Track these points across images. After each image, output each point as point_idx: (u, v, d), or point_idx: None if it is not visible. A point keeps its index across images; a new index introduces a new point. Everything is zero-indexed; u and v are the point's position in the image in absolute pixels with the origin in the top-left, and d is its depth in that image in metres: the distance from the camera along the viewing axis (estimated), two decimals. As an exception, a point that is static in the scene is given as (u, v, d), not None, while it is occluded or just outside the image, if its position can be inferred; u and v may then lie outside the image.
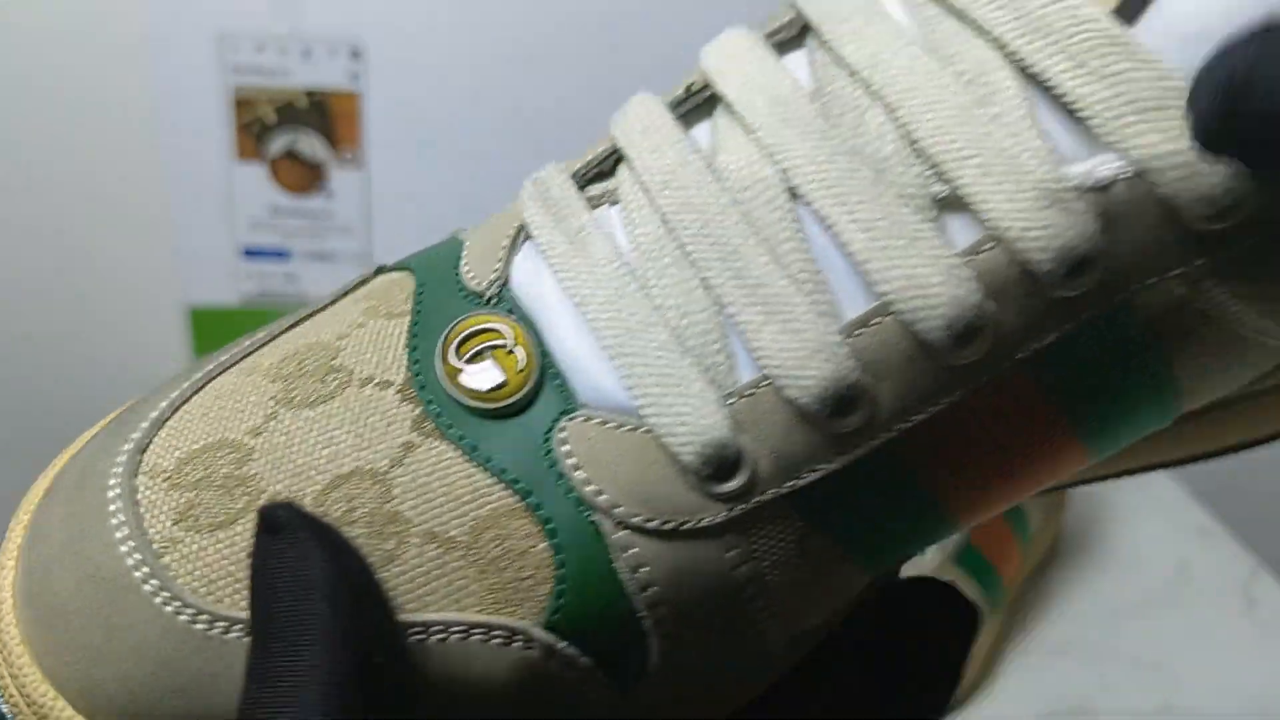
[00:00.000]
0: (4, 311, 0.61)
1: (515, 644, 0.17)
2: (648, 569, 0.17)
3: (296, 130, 0.58)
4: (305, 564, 0.15)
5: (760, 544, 0.17)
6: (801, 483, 0.17)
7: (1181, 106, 0.15)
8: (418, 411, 0.18)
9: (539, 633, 0.17)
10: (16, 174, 0.59)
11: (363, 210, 0.59)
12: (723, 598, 0.17)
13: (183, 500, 0.17)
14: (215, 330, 0.61)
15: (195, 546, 0.17)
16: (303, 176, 0.59)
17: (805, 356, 0.17)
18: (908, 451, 0.17)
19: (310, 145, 0.58)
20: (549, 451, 0.17)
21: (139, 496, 0.17)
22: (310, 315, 0.20)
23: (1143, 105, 0.16)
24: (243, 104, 0.57)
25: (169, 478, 0.17)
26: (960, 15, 0.17)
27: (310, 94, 0.57)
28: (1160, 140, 0.16)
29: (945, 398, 0.17)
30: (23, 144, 0.58)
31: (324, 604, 0.15)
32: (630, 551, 0.17)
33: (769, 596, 0.18)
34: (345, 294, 0.21)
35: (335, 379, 0.18)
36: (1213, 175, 0.16)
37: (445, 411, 0.18)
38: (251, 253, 0.60)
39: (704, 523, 0.17)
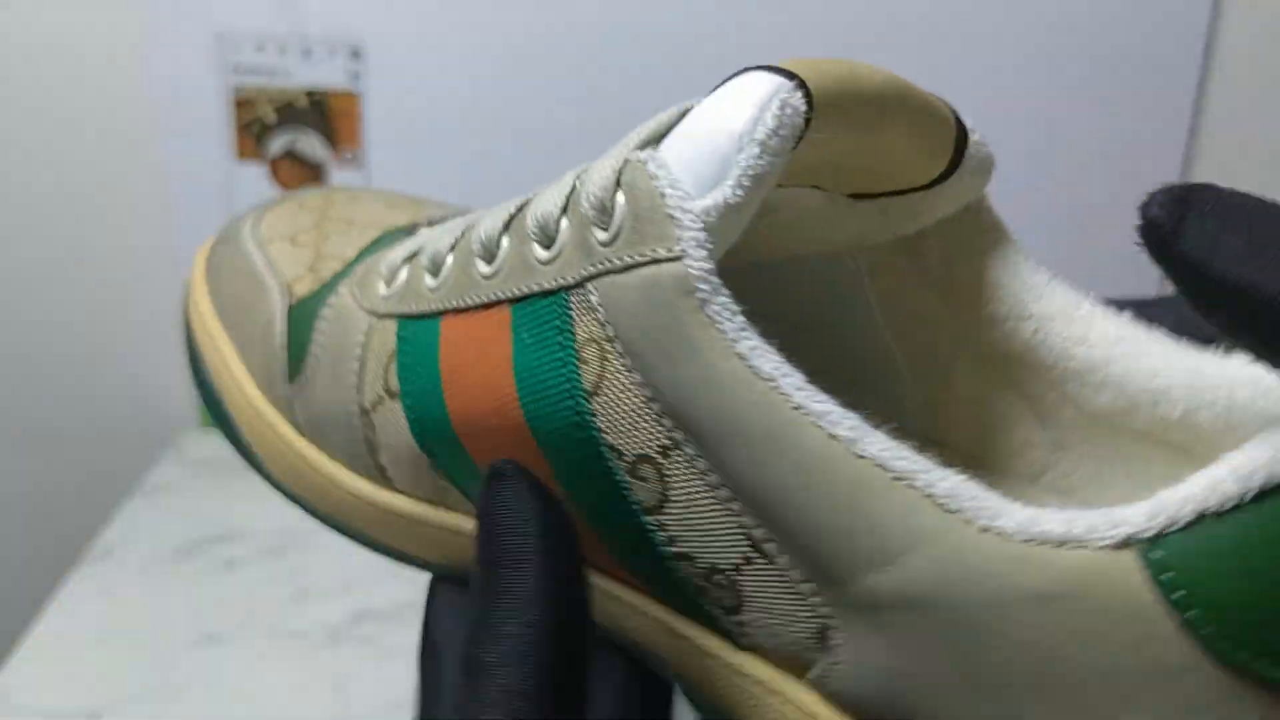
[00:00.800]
0: (3, 310, 0.61)
1: None
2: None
3: (296, 130, 0.58)
4: (523, 507, 0.19)
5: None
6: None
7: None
8: None
9: None
10: (16, 174, 0.59)
11: (363, 210, 0.59)
12: None
13: (281, 208, 0.28)
14: (215, 330, 0.61)
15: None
16: (303, 176, 0.59)
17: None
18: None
19: (310, 145, 0.58)
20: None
21: (262, 225, 0.27)
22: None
23: None
24: (243, 104, 0.57)
25: (278, 207, 0.28)
26: None
27: (310, 94, 0.57)
28: None
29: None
30: (22, 144, 0.58)
31: (539, 540, 0.19)
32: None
33: None
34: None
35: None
36: None
37: None
38: (251, 253, 0.60)
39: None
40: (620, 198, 0.19)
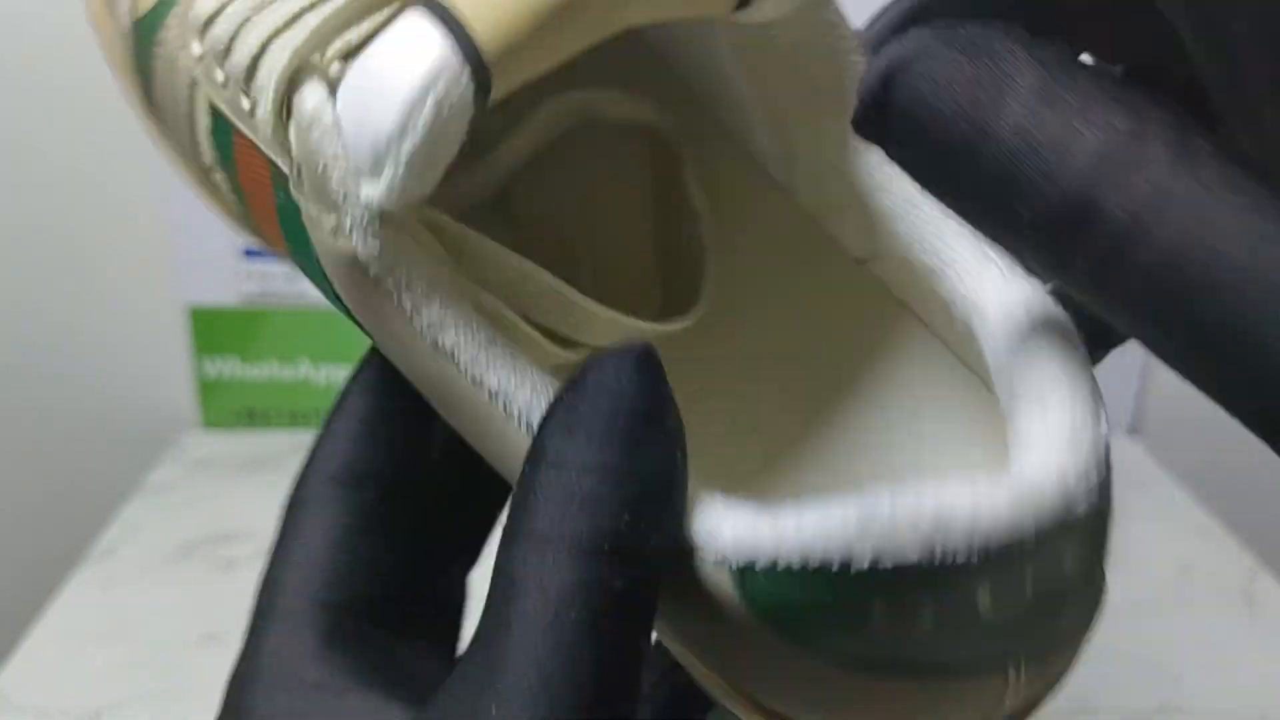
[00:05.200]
0: (2, 311, 0.61)
1: None
2: None
3: (295, 130, 0.58)
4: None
5: None
6: None
7: None
8: None
9: None
10: (15, 173, 0.59)
11: (362, 210, 0.59)
12: None
13: None
14: (215, 330, 0.61)
15: None
16: (302, 176, 0.59)
17: None
18: None
19: (309, 145, 0.58)
20: None
21: None
22: None
23: None
24: (241, 104, 0.57)
25: None
26: None
27: (309, 94, 0.57)
28: None
29: None
30: (21, 142, 0.58)
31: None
32: None
33: None
34: None
35: None
36: None
37: None
38: (252, 253, 0.60)
39: None
40: (293, 134, 0.17)
